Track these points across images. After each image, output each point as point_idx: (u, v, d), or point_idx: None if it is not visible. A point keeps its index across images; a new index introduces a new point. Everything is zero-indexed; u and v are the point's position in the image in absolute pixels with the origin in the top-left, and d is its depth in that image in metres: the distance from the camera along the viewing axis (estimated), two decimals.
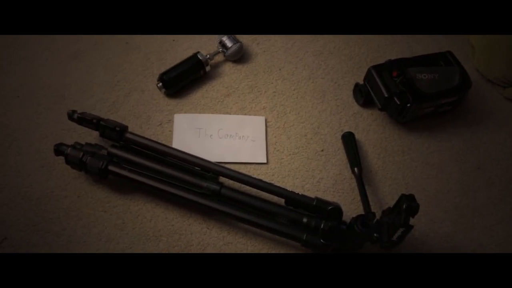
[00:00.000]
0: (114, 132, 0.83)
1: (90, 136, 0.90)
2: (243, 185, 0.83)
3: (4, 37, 1.02)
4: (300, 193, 0.81)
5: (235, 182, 0.83)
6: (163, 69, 0.97)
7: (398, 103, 0.91)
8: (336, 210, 0.80)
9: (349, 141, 0.93)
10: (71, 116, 0.85)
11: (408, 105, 0.90)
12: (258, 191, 0.83)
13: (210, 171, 0.83)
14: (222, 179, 0.84)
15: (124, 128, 0.85)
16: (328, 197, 0.85)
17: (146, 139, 0.85)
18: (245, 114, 0.96)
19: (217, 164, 0.83)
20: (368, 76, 0.96)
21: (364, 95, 0.98)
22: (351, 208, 0.87)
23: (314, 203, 0.80)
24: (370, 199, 0.82)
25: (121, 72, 1.00)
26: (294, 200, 0.81)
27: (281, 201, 0.82)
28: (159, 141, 0.86)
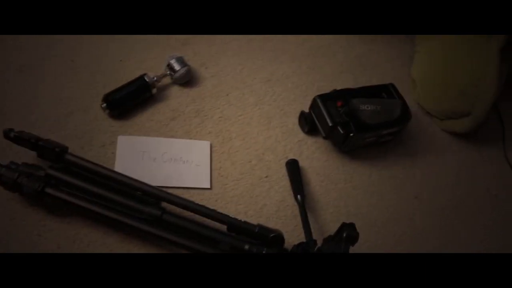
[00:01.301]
0: (53, 153, 0.81)
1: (28, 155, 0.86)
2: (185, 211, 0.82)
3: None
4: (242, 220, 0.81)
5: (178, 208, 0.82)
6: (108, 89, 0.95)
7: (342, 132, 0.93)
8: (278, 238, 0.80)
9: (293, 168, 0.94)
10: (7, 134, 0.82)
11: (351, 134, 0.93)
12: (201, 217, 0.82)
13: (152, 196, 0.81)
14: (164, 204, 0.82)
15: (64, 149, 0.82)
16: (271, 224, 0.86)
17: (87, 161, 0.82)
18: (190, 138, 0.96)
19: (159, 189, 0.82)
20: (313, 105, 0.98)
21: (309, 123, 1.00)
22: (294, 235, 0.87)
23: (257, 230, 0.80)
24: (312, 226, 0.84)
25: (66, 90, 0.97)
26: (236, 227, 0.81)
27: (224, 227, 0.82)
28: (101, 163, 0.84)
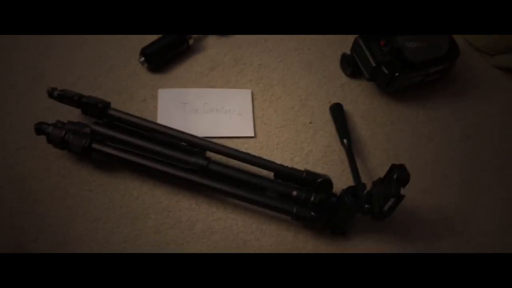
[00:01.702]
0: (96, 108, 0.81)
1: (72, 114, 0.87)
2: (231, 160, 0.82)
3: None
4: (289, 166, 0.80)
5: (223, 157, 0.82)
6: (145, 44, 0.94)
7: (386, 72, 0.89)
8: (326, 182, 0.79)
9: (338, 112, 0.92)
10: (51, 93, 0.82)
11: (397, 74, 0.89)
12: (247, 165, 0.81)
13: (196, 146, 0.81)
14: (209, 154, 0.82)
15: (107, 105, 0.82)
16: (318, 170, 0.84)
17: (130, 115, 0.82)
18: (230, 88, 0.94)
19: (204, 138, 0.81)
20: (355, 46, 0.94)
21: (351, 65, 0.96)
22: (341, 180, 0.86)
23: (304, 176, 0.79)
24: (360, 170, 0.82)
25: (102, 48, 0.97)
26: (283, 173, 0.80)
27: (270, 174, 0.81)
28: (143, 117, 0.84)
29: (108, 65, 0.94)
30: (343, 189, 0.77)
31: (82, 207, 0.80)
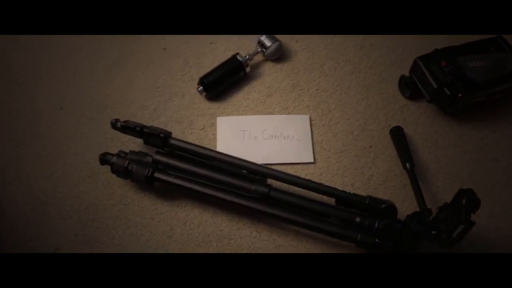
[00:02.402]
0: (158, 138, 0.82)
1: (134, 143, 0.89)
2: (291, 186, 0.81)
3: (45, 47, 1.04)
4: (351, 192, 0.78)
5: (284, 184, 0.81)
6: (202, 73, 0.96)
7: (449, 93, 0.87)
8: (390, 208, 0.77)
9: (398, 135, 0.90)
10: (114, 124, 0.85)
11: (460, 95, 0.86)
12: (308, 191, 0.80)
13: (257, 174, 0.80)
14: (270, 181, 0.81)
15: (168, 134, 0.84)
16: (380, 195, 0.82)
17: (190, 144, 0.83)
18: (288, 114, 0.94)
19: (264, 166, 0.81)
20: (414, 68, 0.92)
21: (410, 87, 0.94)
22: (405, 205, 0.83)
23: (367, 202, 0.77)
24: (424, 195, 0.79)
25: (160, 78, 0.99)
26: (346, 200, 0.78)
27: (332, 201, 0.80)
28: (203, 145, 0.85)
29: (167, 95, 0.97)
30: (408, 215, 0.75)
31: (145, 235, 0.81)
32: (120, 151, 0.84)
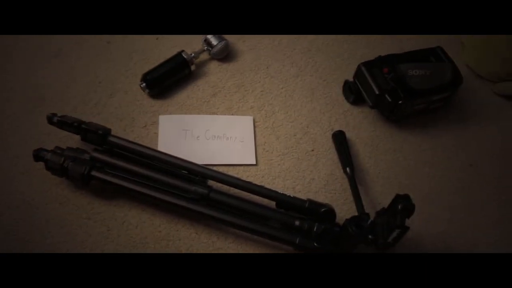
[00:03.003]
0: (97, 135, 0.80)
1: (72, 140, 0.86)
2: (232, 188, 0.81)
3: None
4: (291, 195, 0.79)
5: (224, 185, 0.80)
6: (146, 69, 0.93)
7: (390, 100, 0.89)
8: (329, 212, 0.78)
9: (340, 140, 0.91)
10: (51, 119, 0.81)
11: (400, 102, 0.88)
12: (248, 194, 0.80)
13: (197, 175, 0.79)
14: (211, 182, 0.81)
15: (107, 131, 0.81)
16: (320, 198, 0.83)
17: (130, 142, 0.81)
18: (232, 114, 0.93)
19: (205, 167, 0.80)
20: (358, 73, 0.94)
21: (354, 92, 0.96)
22: (344, 209, 0.85)
23: (307, 205, 0.78)
24: (363, 199, 0.80)
25: (103, 73, 0.96)
26: (286, 203, 0.79)
27: (272, 203, 0.80)
28: (144, 144, 0.83)
29: (109, 90, 0.94)
30: (347, 219, 0.76)
31: (80, 235, 0.79)
32: (57, 147, 0.81)
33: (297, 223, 0.76)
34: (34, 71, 0.95)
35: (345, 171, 0.86)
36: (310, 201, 0.78)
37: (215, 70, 0.99)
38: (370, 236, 0.72)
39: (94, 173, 0.78)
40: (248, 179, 0.82)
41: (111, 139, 0.81)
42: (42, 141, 0.86)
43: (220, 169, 0.83)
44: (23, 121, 0.88)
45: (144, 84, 0.92)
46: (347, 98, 0.98)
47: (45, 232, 0.78)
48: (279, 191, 0.79)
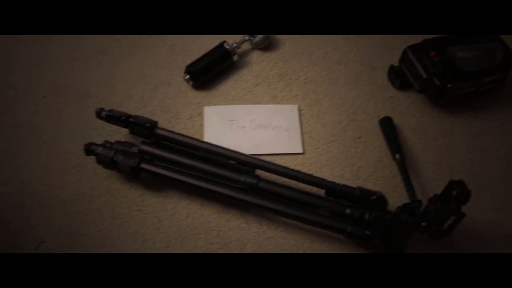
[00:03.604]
0: (144, 128, 0.81)
1: (119, 133, 0.87)
2: (280, 177, 0.80)
3: (28, 37, 1.00)
4: (341, 183, 0.78)
5: (272, 175, 0.80)
6: (188, 61, 0.94)
7: (438, 84, 0.86)
8: (381, 200, 0.76)
9: (388, 126, 0.89)
10: (99, 114, 0.83)
11: (449, 85, 0.86)
12: (296, 182, 0.80)
13: (246, 164, 0.79)
14: (258, 171, 0.80)
15: (154, 124, 0.82)
16: (369, 186, 0.81)
17: (177, 134, 0.82)
18: (277, 103, 0.93)
19: (253, 156, 0.80)
20: (403, 58, 0.91)
21: (400, 77, 0.93)
22: (394, 197, 0.82)
23: (357, 193, 0.76)
24: (414, 187, 0.79)
25: (146, 67, 0.97)
26: (335, 191, 0.78)
27: (321, 192, 0.79)
28: (190, 135, 0.84)
29: (152, 84, 0.95)
30: (398, 207, 0.74)
31: (132, 227, 0.80)
32: (106, 141, 0.82)
33: (348, 211, 0.75)
34: (80, 69, 0.96)
35: (394, 158, 0.85)
36: (361, 189, 0.77)
37: (258, 60, 0.98)
38: (423, 223, 0.71)
39: (143, 165, 0.78)
40: (296, 168, 0.81)
41: (158, 131, 0.81)
42: (91, 135, 0.87)
43: (267, 159, 0.82)
44: (73, 117, 0.90)
45: (187, 76, 0.92)
46: (392, 83, 0.96)
47: (99, 225, 0.80)
48: (328, 179, 0.78)
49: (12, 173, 0.84)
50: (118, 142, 0.83)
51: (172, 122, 0.90)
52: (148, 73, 0.96)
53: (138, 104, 0.92)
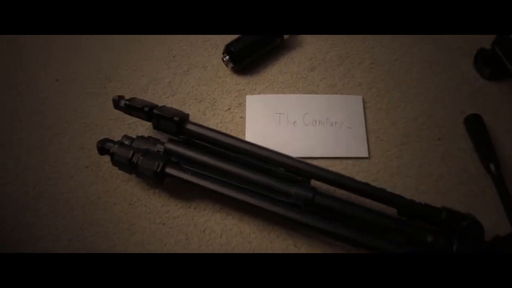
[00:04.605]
0: (172, 122, 0.64)
1: (143, 126, 0.72)
2: (338, 189, 0.63)
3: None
4: (422, 203, 0.60)
5: (328, 186, 0.63)
6: (229, 39, 0.77)
7: None
8: (474, 226, 0.58)
9: (477, 126, 0.71)
10: (117, 103, 0.67)
11: None
12: (358, 196, 0.62)
13: (299, 173, 0.62)
14: (314, 182, 0.63)
15: (184, 117, 0.66)
16: (451, 203, 0.63)
17: (213, 130, 0.65)
18: (336, 93, 0.75)
19: (308, 163, 0.63)
20: (500, 40, 0.72)
21: (492, 64, 0.74)
22: (485, 219, 0.63)
23: (444, 216, 0.58)
24: None
25: (176, 45, 0.81)
26: (416, 211, 0.60)
27: (389, 209, 0.62)
28: (228, 131, 0.68)
29: (185, 66, 0.78)
30: (497, 236, 0.57)
31: (153, 244, 0.64)
32: (125, 137, 0.67)
33: (429, 238, 0.58)
34: (99, 48, 0.81)
35: (487, 168, 0.66)
36: (448, 211, 0.59)
37: (313, 39, 0.81)
38: None
39: (169, 170, 0.63)
40: (359, 176, 0.64)
41: (189, 127, 0.65)
42: (109, 128, 0.72)
43: (322, 163, 0.65)
44: (89, 106, 0.75)
45: (227, 57, 0.75)
46: (481, 71, 0.77)
47: (114, 238, 0.65)
48: (405, 197, 0.60)
49: (15, 172, 0.70)
50: (140, 137, 0.67)
51: (207, 115, 0.74)
52: (179, 53, 0.80)
53: (166, 90, 0.76)
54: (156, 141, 0.67)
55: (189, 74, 0.78)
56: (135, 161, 0.63)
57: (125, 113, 0.67)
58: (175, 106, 0.73)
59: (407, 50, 0.79)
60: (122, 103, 0.67)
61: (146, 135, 0.68)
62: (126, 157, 0.63)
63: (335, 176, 0.61)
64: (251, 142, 0.64)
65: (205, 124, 0.68)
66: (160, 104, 0.68)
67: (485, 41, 0.74)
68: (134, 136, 0.67)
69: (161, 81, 0.77)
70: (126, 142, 0.66)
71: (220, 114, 0.74)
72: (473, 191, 0.67)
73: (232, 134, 0.69)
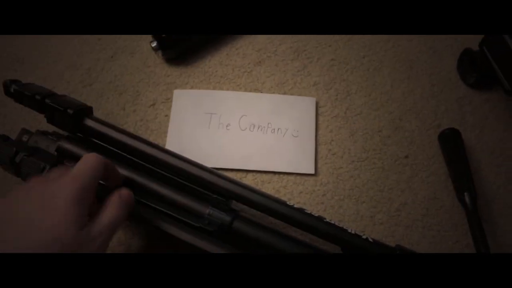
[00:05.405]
0: (66, 115, 0.51)
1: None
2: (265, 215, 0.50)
3: None
4: (370, 239, 0.46)
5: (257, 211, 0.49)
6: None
7: None
8: None
9: (453, 144, 0.57)
10: (8, 88, 0.54)
11: None
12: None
13: (217, 191, 0.49)
14: (237, 203, 0.50)
15: (83, 111, 0.53)
16: (411, 240, 0.51)
17: (117, 130, 0.52)
18: (284, 93, 0.62)
19: (232, 178, 0.49)
20: (489, 40, 0.59)
21: (478, 69, 0.61)
22: None
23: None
24: (488, 245, 0.48)
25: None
26: (359, 249, 0.46)
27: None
28: (149, 132, 0.55)
29: (109, 51, 0.65)
30: None
31: None
32: (23, 130, 0.54)
33: None
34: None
35: (460, 197, 0.53)
36: (401, 249, 0.46)
37: None
38: None
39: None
40: (301, 197, 0.51)
41: (88, 123, 0.52)
42: (14, 120, 0.59)
43: (257, 178, 0.52)
44: None
45: (155, 43, 0.62)
46: (465, 77, 0.63)
47: None
48: (351, 230, 0.47)
49: None
50: (41, 132, 0.54)
51: (126, 110, 0.61)
52: (105, 36, 0.67)
53: (84, 78, 0.63)
54: (59, 137, 0.53)
55: (113, 61, 0.64)
56: (18, 161, 0.50)
57: (15, 101, 0.54)
58: (91, 97, 0.61)
59: (378, 46, 0.66)
60: (13, 88, 0.53)
61: (50, 130, 0.55)
62: (8, 155, 0.50)
63: (260, 197, 0.47)
64: (162, 147, 0.51)
65: (123, 122, 0.56)
66: (72, 95, 0.55)
67: (473, 39, 0.61)
68: (33, 131, 0.54)
69: (80, 67, 0.64)
70: (24, 138, 0.53)
71: (142, 110, 0.60)
72: (443, 223, 0.54)
73: (154, 134, 0.57)
